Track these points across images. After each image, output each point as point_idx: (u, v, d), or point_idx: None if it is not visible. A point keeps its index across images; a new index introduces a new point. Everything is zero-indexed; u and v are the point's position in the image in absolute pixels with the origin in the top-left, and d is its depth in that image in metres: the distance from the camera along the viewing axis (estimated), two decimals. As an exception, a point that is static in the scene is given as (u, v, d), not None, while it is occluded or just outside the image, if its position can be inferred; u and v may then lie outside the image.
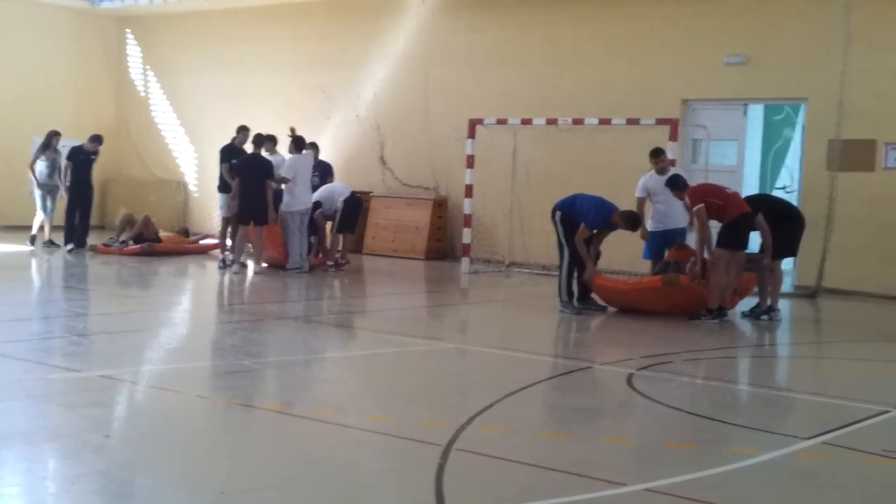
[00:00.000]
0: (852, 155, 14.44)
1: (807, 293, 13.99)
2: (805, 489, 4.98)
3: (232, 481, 4.75)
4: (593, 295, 11.47)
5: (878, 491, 5.01)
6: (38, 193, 16.36)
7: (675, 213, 11.87)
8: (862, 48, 14.14)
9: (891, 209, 14.11)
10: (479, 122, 16.07)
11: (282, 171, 14.17)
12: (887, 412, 6.61)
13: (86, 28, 21.91)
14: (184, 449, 5.35)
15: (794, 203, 13.75)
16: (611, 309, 11.44)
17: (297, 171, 14.20)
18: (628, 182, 14.59)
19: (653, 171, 12.22)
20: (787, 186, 17.94)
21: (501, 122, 16.08)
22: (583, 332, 10.54)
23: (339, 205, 14.99)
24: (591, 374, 8.01)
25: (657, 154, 12.38)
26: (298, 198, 14.22)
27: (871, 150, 14.40)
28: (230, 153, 14.73)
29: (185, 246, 16.68)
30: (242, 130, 14.99)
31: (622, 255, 13.11)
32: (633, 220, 11.21)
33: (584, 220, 11.00)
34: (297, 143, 14.55)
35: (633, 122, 15.15)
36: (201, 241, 17.09)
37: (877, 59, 14.26)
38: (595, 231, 11.19)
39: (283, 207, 14.18)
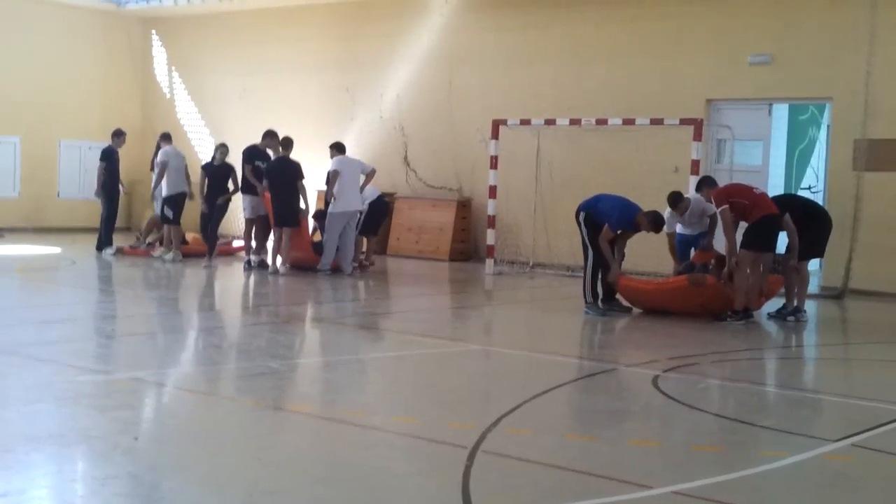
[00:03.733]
0: (879, 155, 14.33)
1: (833, 294, 13.91)
2: (833, 492, 4.96)
3: (259, 483, 4.78)
4: (618, 296, 11.45)
5: (907, 494, 4.99)
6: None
7: (699, 219, 11.84)
8: (887, 47, 14.05)
9: (918, 208, 14.01)
10: (503, 122, 16.06)
11: (330, 168, 14.25)
12: (917, 414, 6.58)
13: (111, 29, 22.09)
14: (212, 451, 5.39)
15: (820, 203, 13.66)
16: (636, 310, 11.42)
17: (343, 172, 14.18)
18: (652, 182, 14.60)
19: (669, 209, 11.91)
20: (812, 186, 17.83)
21: (525, 122, 16.07)
22: (608, 333, 10.52)
23: (365, 207, 15.01)
24: (616, 375, 8.00)
25: (677, 202, 11.81)
26: (347, 199, 14.22)
27: (897, 150, 14.30)
28: (253, 155, 14.82)
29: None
30: (270, 136, 15.04)
31: (647, 256, 13.08)
32: (657, 222, 11.17)
33: (607, 221, 10.98)
34: (337, 147, 14.63)
35: (656, 122, 15.12)
36: (230, 244, 17.12)
37: (899, 57, 14.18)
38: (619, 232, 11.17)
39: (330, 209, 14.20)
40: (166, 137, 16.29)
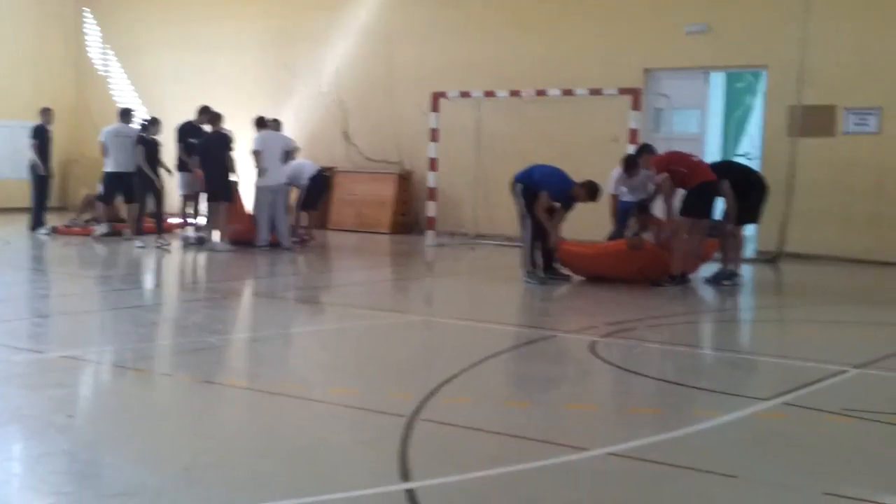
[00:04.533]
0: (812, 121, 14.57)
1: (768, 258, 14.14)
2: (764, 448, 5.05)
3: (197, 457, 4.75)
4: (556, 265, 11.52)
5: (836, 449, 5.09)
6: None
7: (644, 184, 11.93)
8: (821, 15, 14.24)
9: (850, 173, 14.27)
10: (443, 95, 16.04)
11: (252, 147, 14.23)
12: (845, 372, 6.71)
13: (44, 7, 21.63)
14: (148, 427, 5.34)
15: (757, 170, 13.83)
16: (575, 278, 11.50)
17: (266, 146, 14.19)
18: (592, 152, 14.71)
19: (623, 171, 11.95)
20: (748, 153, 18.07)
21: (465, 94, 16.06)
22: (547, 301, 10.59)
23: (305, 182, 14.97)
24: (555, 342, 8.07)
25: (633, 165, 11.79)
26: (271, 173, 14.19)
27: (830, 116, 14.54)
28: (187, 132, 14.67)
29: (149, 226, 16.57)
30: (204, 112, 14.87)
31: (586, 223, 13.12)
32: (593, 190, 11.23)
33: (546, 189, 11.04)
34: (260, 122, 14.60)
35: (595, 92, 15.20)
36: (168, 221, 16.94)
37: (836, 26, 14.37)
38: (557, 206, 11.21)
39: (255, 184, 14.23)
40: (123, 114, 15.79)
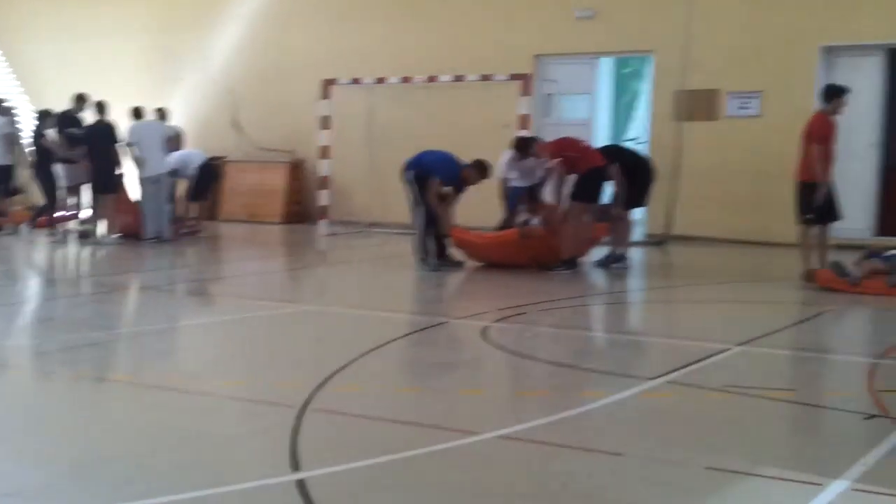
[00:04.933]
0: (697, 105, 14.91)
1: (657, 241, 14.43)
2: (650, 426, 5.16)
3: (84, 454, 4.63)
4: (449, 251, 11.56)
5: (718, 424, 5.22)
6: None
7: (533, 170, 12.02)
8: (705, 1, 14.55)
9: (734, 156, 14.67)
10: (334, 82, 15.93)
11: (126, 139, 13.90)
12: (728, 349, 6.89)
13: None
14: (32, 425, 5.19)
15: (645, 154, 14.09)
16: (468, 264, 11.56)
17: (141, 137, 13.89)
18: (483, 137, 14.77)
19: (514, 154, 11.97)
20: (637, 137, 18.38)
21: (356, 81, 15.99)
22: (439, 288, 10.63)
23: (193, 171, 14.71)
24: (447, 328, 8.10)
25: (528, 146, 11.76)
26: (148, 164, 13.90)
27: (714, 100, 14.90)
28: (65, 122, 14.28)
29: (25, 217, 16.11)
30: (80, 100, 14.48)
31: (477, 212, 13.19)
32: (483, 168, 11.27)
33: (436, 174, 11.06)
34: (134, 112, 14.25)
35: (487, 78, 15.30)
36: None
37: (719, 11, 14.72)
38: (448, 189, 11.25)
39: (138, 175, 13.93)
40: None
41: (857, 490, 4.12)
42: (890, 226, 13.97)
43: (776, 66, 14.49)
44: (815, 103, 14.04)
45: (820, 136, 10.01)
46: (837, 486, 4.12)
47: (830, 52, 14.36)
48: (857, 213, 13.24)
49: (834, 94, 10.23)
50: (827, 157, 10.01)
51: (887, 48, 14.07)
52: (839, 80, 14.09)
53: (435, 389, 6.02)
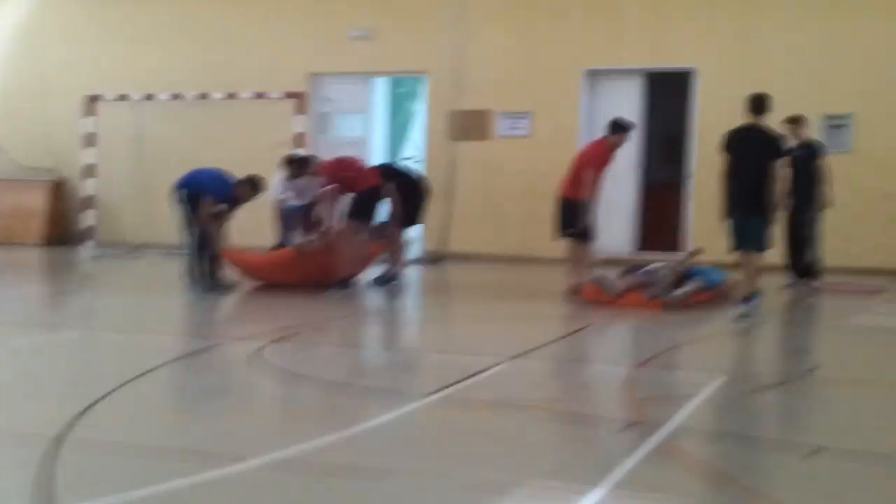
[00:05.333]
0: (470, 125, 15.25)
1: (432, 259, 14.63)
2: (422, 442, 5.17)
3: None
4: (222, 272, 11.31)
5: (487, 437, 5.29)
6: None
7: (308, 189, 11.93)
8: (476, 24, 14.92)
9: (505, 174, 15.08)
10: (99, 98, 15.33)
11: None
12: (499, 363, 7.03)
13: None
14: None
15: (421, 173, 14.27)
16: (244, 285, 11.34)
17: None
18: (259, 156, 14.53)
19: (286, 173, 11.84)
20: (412, 156, 18.60)
21: (123, 98, 15.44)
22: (212, 310, 10.37)
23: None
24: (220, 351, 7.89)
25: (303, 165, 11.68)
26: None
27: (486, 120, 15.28)
28: None
29: None
30: None
31: (253, 231, 12.96)
32: (255, 184, 11.11)
33: (208, 195, 10.81)
34: None
35: (260, 96, 15.11)
36: None
37: (490, 35, 15.13)
38: (221, 207, 11.01)
39: None
40: None
41: (615, 496, 4.27)
42: (649, 242, 14.72)
43: (544, 89, 15.01)
44: (580, 124, 14.71)
45: (598, 162, 10.51)
46: (597, 494, 4.25)
47: (593, 75, 15.00)
48: (619, 230, 13.90)
49: (620, 129, 10.74)
50: (597, 182, 10.50)
51: (645, 72, 14.84)
52: (602, 102, 14.82)
53: (204, 415, 5.83)
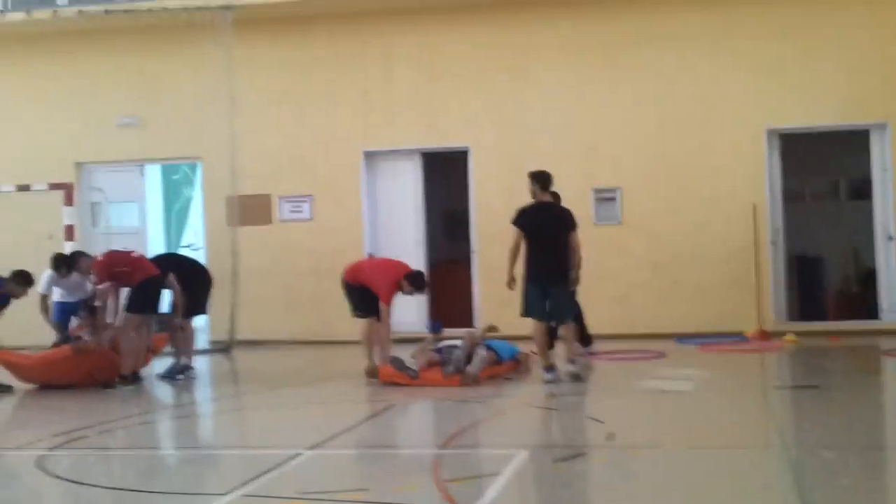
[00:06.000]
0: (250, 210, 15.02)
1: (221, 347, 14.22)
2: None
3: None
4: (-5, 376, 10.60)
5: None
6: None
7: (81, 286, 11.37)
8: (246, 109, 14.77)
9: (290, 258, 14.90)
10: None
11: None
12: (300, 454, 6.82)
13: None
14: None
15: (202, 260, 13.91)
16: (18, 387, 10.63)
17: None
18: (27, 249, 13.75)
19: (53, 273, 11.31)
20: (192, 244, 18.16)
21: None
22: (-14, 417, 9.65)
23: None
24: (-3, 462, 7.30)
25: (63, 265, 11.28)
26: None
27: (266, 204, 15.10)
28: None
29: None
30: None
31: (24, 328, 12.16)
32: (25, 278, 10.50)
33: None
34: None
35: (23, 188, 14.41)
36: None
37: (263, 119, 15.03)
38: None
39: None
40: None
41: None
42: (439, 318, 14.81)
43: (323, 171, 14.99)
44: (362, 204, 14.78)
45: (388, 297, 10.62)
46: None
47: (372, 156, 15.12)
48: (411, 308, 13.92)
49: (418, 283, 10.83)
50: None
51: (421, 152, 15.09)
52: (382, 182, 14.96)
53: (-16, 536, 5.35)
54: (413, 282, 10.73)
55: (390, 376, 10.08)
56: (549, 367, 9.95)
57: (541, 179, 10.27)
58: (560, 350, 10.39)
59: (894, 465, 6.53)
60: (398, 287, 10.69)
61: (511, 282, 10.10)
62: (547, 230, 10.06)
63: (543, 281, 9.94)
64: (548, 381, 9.82)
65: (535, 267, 9.95)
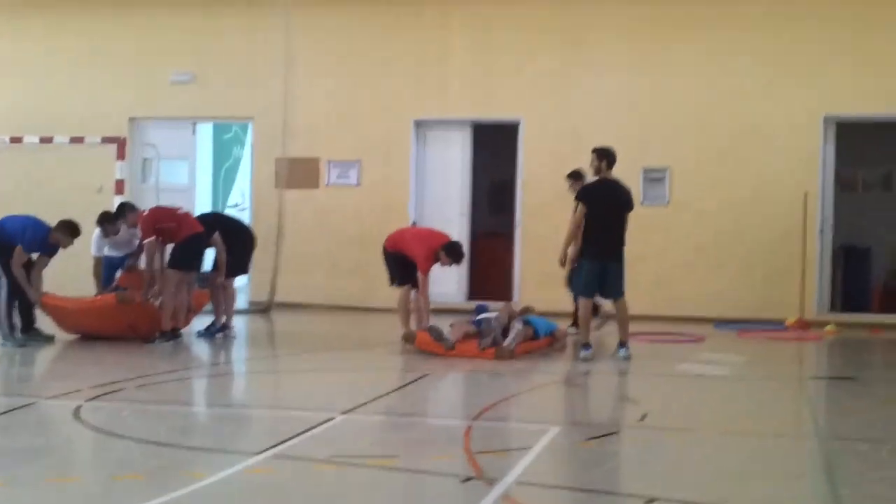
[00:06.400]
0: (298, 173, 15.08)
1: (261, 308, 14.33)
2: (255, 502, 4.97)
3: None
4: (38, 325, 10.75)
5: (321, 497, 5.13)
6: None
7: (129, 241, 11.50)
8: (301, 70, 14.83)
9: (335, 223, 14.97)
10: None
11: None
12: (333, 418, 6.87)
13: None
14: None
15: (247, 220, 14.02)
16: (61, 337, 10.79)
17: None
18: (77, 201, 13.97)
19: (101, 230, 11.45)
20: (239, 204, 18.29)
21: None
22: (28, 365, 9.81)
23: None
24: (35, 410, 7.42)
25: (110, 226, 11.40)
26: None
27: (315, 168, 15.15)
28: None
29: None
30: None
31: (72, 278, 12.38)
32: (72, 229, 10.57)
33: (20, 243, 10.25)
34: None
35: (77, 140, 14.56)
36: None
37: (317, 82, 15.05)
38: (35, 255, 10.47)
39: None
40: None
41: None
42: (480, 290, 14.83)
43: (373, 138, 15.01)
44: (410, 173, 14.79)
45: (426, 266, 10.63)
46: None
47: (422, 125, 15.11)
48: (450, 279, 13.94)
49: (455, 254, 10.94)
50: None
51: (472, 123, 15.05)
52: (430, 152, 14.93)
53: (20, 480, 5.44)
54: (450, 252, 10.74)
55: (427, 344, 10.10)
56: (587, 345, 9.91)
57: (608, 156, 10.15)
58: (614, 330, 10.36)
59: (929, 463, 6.43)
60: (436, 257, 10.70)
61: (565, 259, 10.05)
62: (614, 209, 9.98)
63: (604, 258, 9.86)
64: (584, 359, 9.80)
65: (596, 245, 9.85)
